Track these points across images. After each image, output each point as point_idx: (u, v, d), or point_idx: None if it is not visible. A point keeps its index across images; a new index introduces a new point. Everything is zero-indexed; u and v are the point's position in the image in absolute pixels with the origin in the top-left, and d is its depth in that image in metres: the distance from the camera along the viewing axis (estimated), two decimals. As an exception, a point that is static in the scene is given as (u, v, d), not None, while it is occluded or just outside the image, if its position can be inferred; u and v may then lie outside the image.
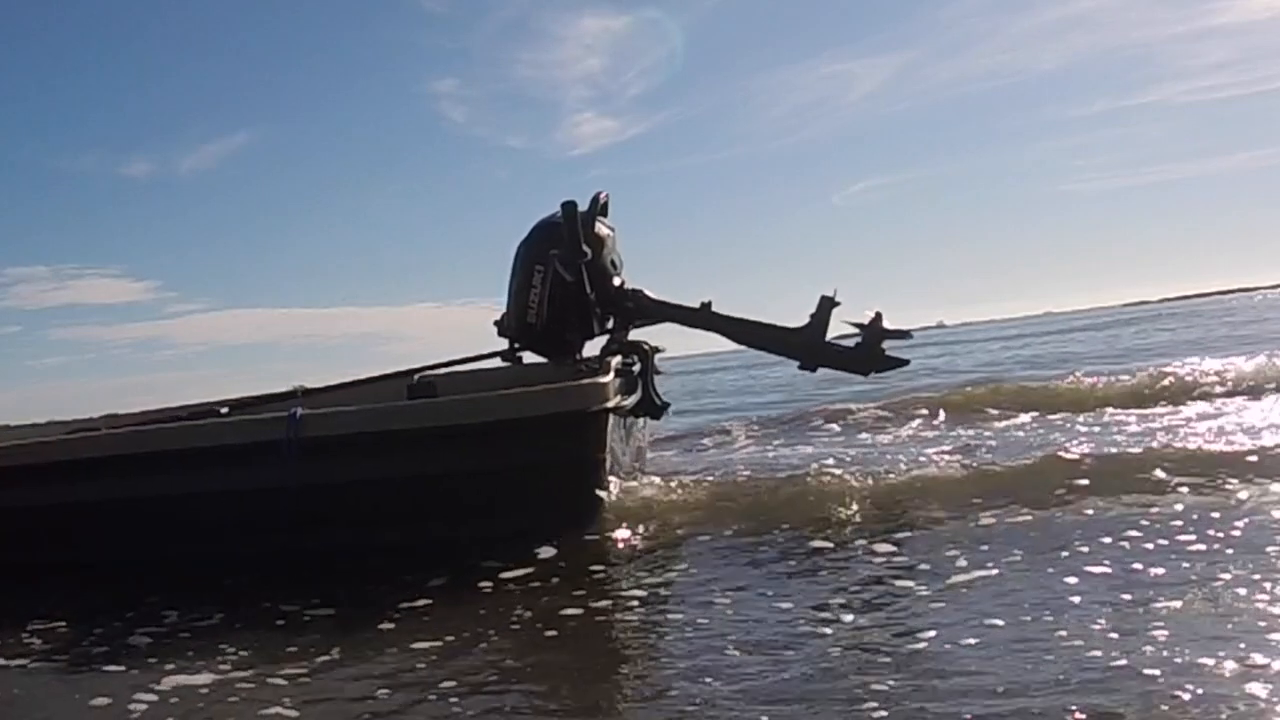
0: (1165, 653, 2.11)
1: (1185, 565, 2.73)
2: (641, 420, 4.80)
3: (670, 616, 2.94)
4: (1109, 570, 2.75)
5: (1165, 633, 2.23)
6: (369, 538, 4.03)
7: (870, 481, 4.10)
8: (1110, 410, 6.25)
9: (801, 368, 4.62)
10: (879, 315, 4.49)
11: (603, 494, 4.08)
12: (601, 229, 4.69)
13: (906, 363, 4.62)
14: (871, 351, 4.50)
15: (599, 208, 4.73)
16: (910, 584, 2.88)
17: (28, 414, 5.86)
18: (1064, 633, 2.30)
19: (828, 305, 4.50)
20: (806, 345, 4.55)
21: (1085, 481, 3.72)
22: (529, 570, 3.47)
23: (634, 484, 4.42)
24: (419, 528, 3.99)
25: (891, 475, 4.24)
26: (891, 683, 2.14)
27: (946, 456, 4.74)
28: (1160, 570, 2.71)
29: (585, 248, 4.53)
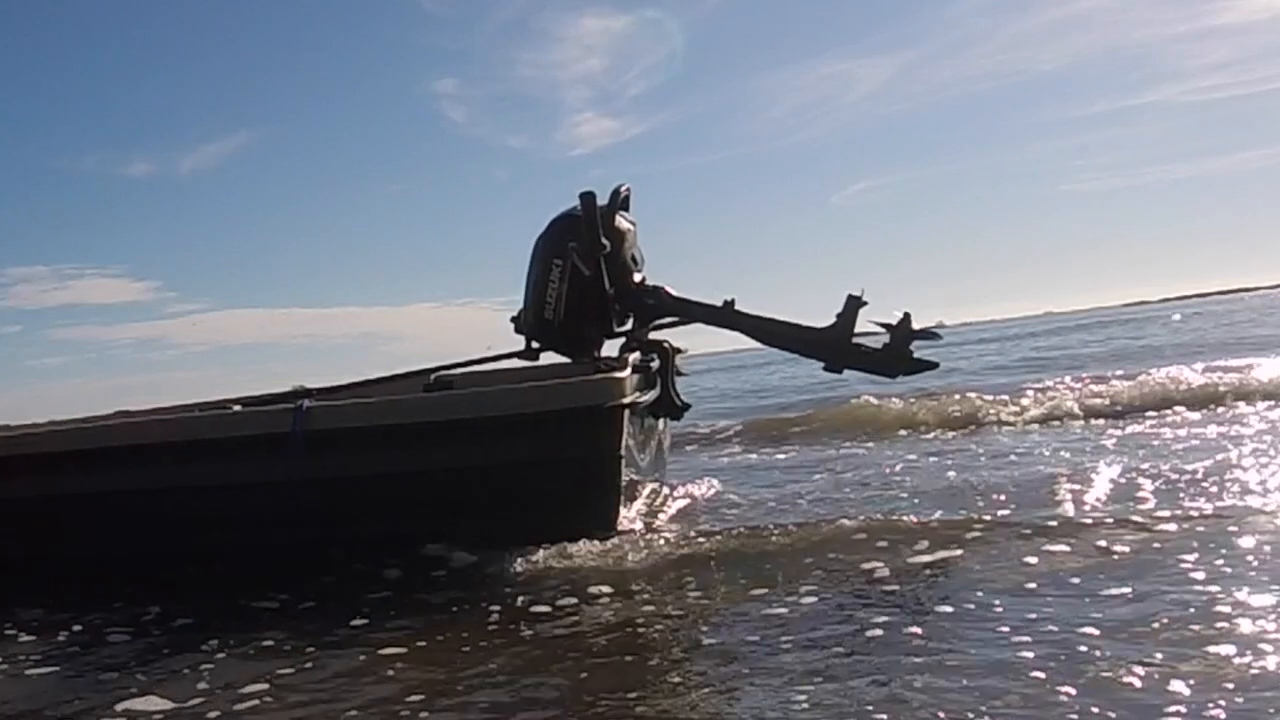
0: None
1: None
2: (661, 421, 4.68)
3: (644, 613, 2.88)
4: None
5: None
6: (373, 533, 3.93)
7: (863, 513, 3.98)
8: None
9: (827, 369, 4.49)
10: (907, 316, 4.36)
11: (618, 492, 3.95)
12: (622, 223, 4.56)
13: (935, 365, 4.49)
14: (899, 353, 4.37)
15: (620, 201, 4.59)
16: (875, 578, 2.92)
17: (28, 414, 5.76)
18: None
19: (854, 305, 4.36)
20: (832, 346, 4.41)
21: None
22: (506, 569, 3.42)
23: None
24: (425, 524, 3.90)
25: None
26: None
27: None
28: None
29: (604, 240, 4.40)
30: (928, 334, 4.39)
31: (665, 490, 4.72)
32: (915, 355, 4.39)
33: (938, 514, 3.75)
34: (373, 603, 3.31)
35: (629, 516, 4.06)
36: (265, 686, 2.53)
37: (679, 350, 4.57)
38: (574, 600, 3.06)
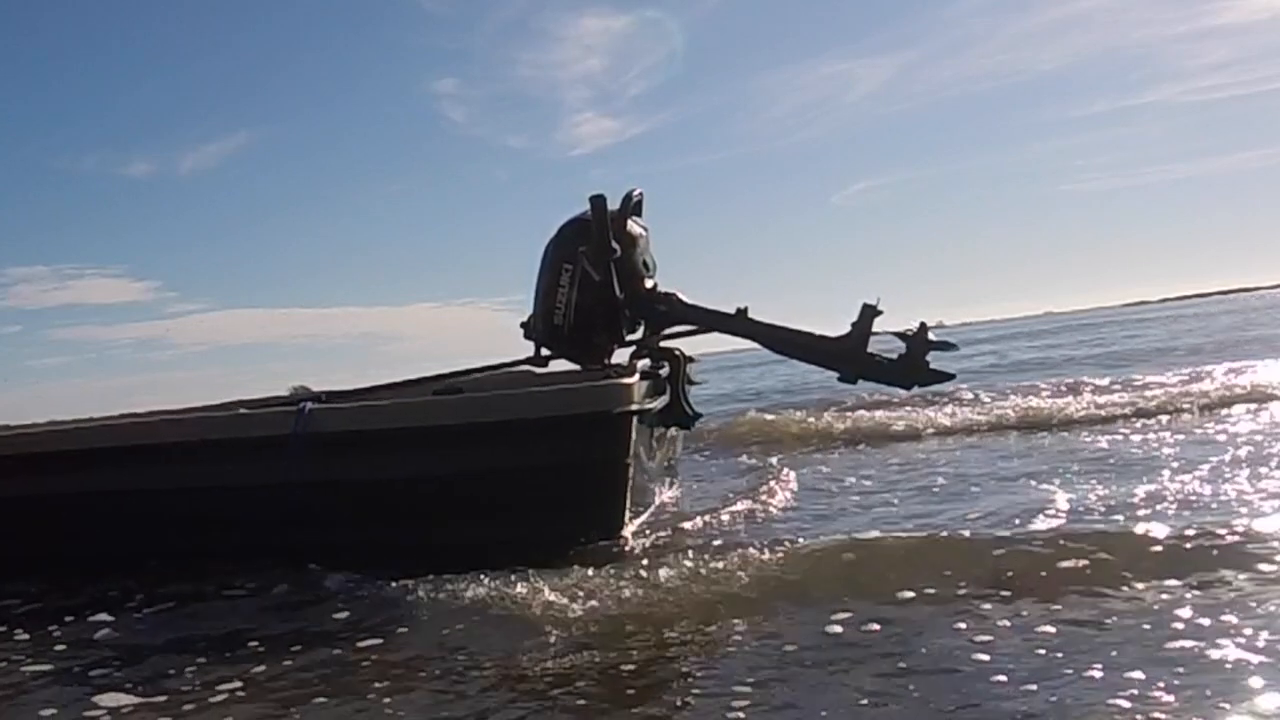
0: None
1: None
2: (672, 430, 4.61)
3: (625, 617, 2.82)
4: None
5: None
6: (375, 537, 3.88)
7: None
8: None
9: (841, 379, 4.42)
10: (924, 326, 4.29)
11: (625, 499, 3.88)
12: (634, 228, 4.49)
13: (952, 376, 4.42)
14: (915, 364, 4.29)
15: (632, 205, 4.51)
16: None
17: (28, 414, 5.72)
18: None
19: (870, 314, 4.29)
20: (847, 356, 4.34)
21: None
22: (494, 575, 3.32)
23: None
24: (427, 529, 3.84)
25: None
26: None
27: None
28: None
29: (615, 245, 4.32)
30: (944, 345, 4.31)
31: (674, 498, 4.65)
32: (932, 366, 4.32)
33: (907, 525, 3.70)
34: (351, 599, 3.30)
35: (637, 525, 3.99)
36: (239, 685, 2.56)
37: (691, 359, 4.50)
38: (550, 601, 3.00)
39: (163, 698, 2.53)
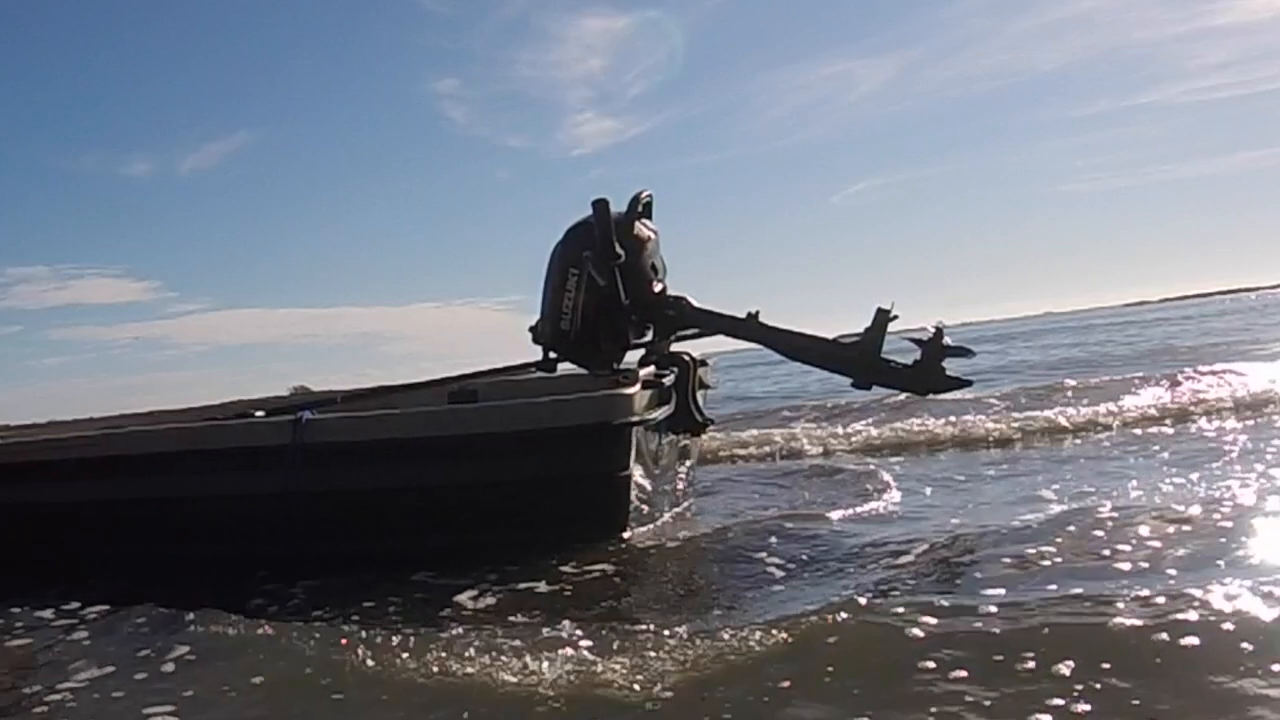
0: None
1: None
2: (683, 436, 4.52)
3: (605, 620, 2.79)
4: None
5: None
6: (372, 548, 3.84)
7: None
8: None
9: (854, 385, 4.31)
10: (939, 331, 4.17)
11: (626, 510, 3.84)
12: (642, 230, 4.38)
13: (969, 384, 4.33)
14: (930, 370, 4.19)
15: (639, 207, 4.41)
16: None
17: (28, 414, 5.68)
18: None
19: (883, 319, 4.18)
20: (860, 362, 4.23)
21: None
22: (477, 584, 3.31)
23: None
24: (426, 539, 3.80)
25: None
26: None
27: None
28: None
29: (619, 249, 4.22)
30: (961, 350, 4.21)
31: (684, 507, 4.55)
32: (948, 373, 4.21)
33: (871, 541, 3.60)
34: (317, 597, 3.36)
35: (642, 532, 3.93)
36: (186, 649, 2.85)
37: (703, 362, 4.41)
38: (504, 601, 3.00)
39: (111, 668, 2.83)
